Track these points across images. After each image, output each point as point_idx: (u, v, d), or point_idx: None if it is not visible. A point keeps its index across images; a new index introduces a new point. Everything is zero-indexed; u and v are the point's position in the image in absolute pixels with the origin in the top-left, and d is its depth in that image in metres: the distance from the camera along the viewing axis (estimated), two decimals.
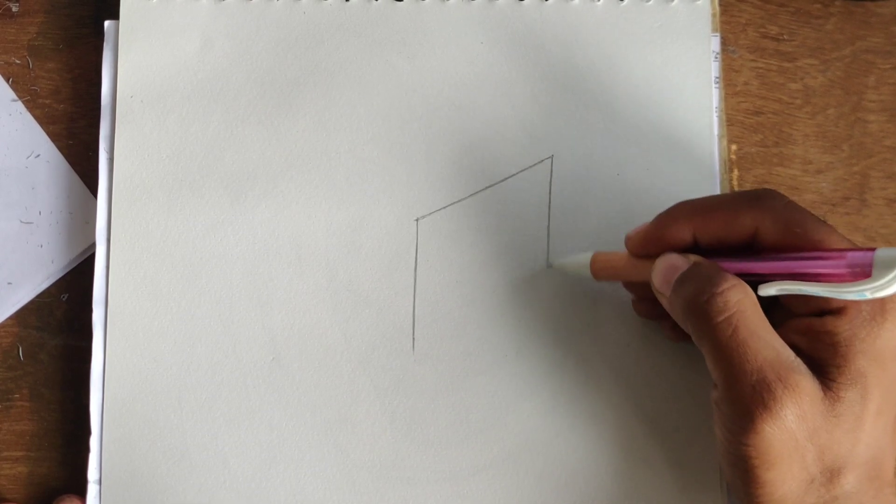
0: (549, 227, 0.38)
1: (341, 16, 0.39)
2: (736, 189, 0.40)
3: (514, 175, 0.38)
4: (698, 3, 0.39)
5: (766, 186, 0.40)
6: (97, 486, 0.37)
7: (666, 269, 0.31)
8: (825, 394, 0.28)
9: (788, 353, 0.29)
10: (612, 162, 0.38)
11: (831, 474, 0.29)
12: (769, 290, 0.29)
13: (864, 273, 0.27)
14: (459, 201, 0.38)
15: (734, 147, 0.40)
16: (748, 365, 0.28)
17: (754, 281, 0.30)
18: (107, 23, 0.40)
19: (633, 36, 0.39)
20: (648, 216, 0.38)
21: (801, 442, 0.28)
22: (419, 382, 0.37)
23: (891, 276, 0.26)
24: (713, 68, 0.39)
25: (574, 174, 0.38)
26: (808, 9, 0.41)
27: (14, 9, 0.41)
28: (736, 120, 0.40)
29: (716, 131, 0.38)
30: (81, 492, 0.37)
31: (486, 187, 0.38)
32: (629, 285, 0.36)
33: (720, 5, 0.40)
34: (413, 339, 0.38)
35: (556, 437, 0.37)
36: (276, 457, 0.37)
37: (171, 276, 0.38)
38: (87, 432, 0.37)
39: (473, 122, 0.39)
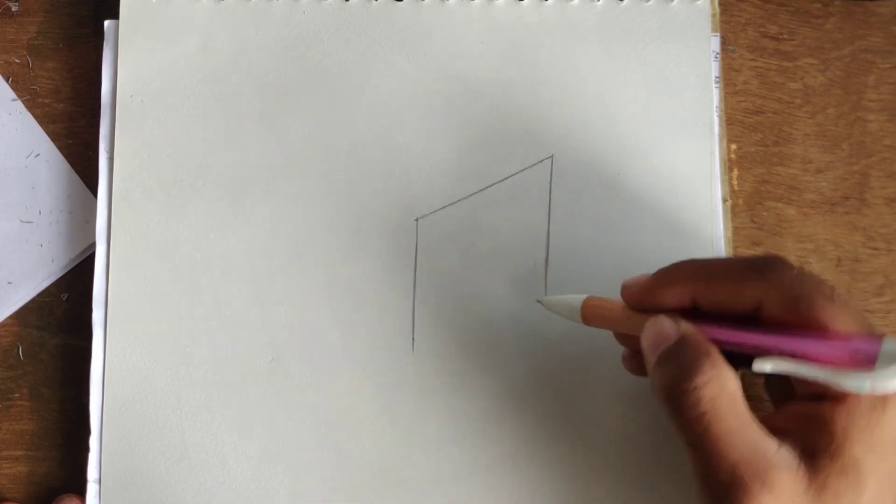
0: (549, 227, 0.38)
1: (341, 16, 0.39)
2: (736, 189, 0.40)
3: (514, 175, 0.38)
4: (698, 3, 0.39)
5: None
6: (97, 486, 0.37)
7: (654, 336, 0.30)
8: (811, 483, 0.27)
9: (769, 447, 0.27)
10: (612, 162, 0.38)
11: None
12: (764, 365, 0.27)
13: (867, 362, 0.26)
14: (459, 201, 0.38)
15: (734, 146, 0.40)
16: (722, 463, 0.27)
17: (751, 353, 0.28)
18: (107, 22, 0.39)
19: (633, 36, 0.39)
20: (648, 216, 0.38)
21: None
22: (419, 382, 0.37)
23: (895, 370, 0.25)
24: (713, 68, 0.39)
25: (574, 174, 0.38)
26: (807, 8, 0.41)
27: (14, 8, 0.41)
28: (736, 119, 0.40)
29: (716, 131, 0.38)
30: (81, 491, 0.37)
31: (486, 187, 0.38)
32: (620, 337, 0.34)
33: (720, 5, 0.40)
34: (413, 339, 0.38)
35: (555, 438, 0.37)
36: (275, 457, 0.37)
37: (171, 276, 0.38)
38: (87, 432, 0.37)
39: (473, 121, 0.39)
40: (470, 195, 0.38)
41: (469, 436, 0.37)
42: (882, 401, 0.27)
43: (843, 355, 0.26)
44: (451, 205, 0.38)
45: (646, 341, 0.30)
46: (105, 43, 0.39)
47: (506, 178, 0.38)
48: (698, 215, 0.38)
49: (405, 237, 0.38)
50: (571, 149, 0.38)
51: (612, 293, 0.38)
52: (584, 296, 0.34)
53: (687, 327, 0.29)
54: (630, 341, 0.34)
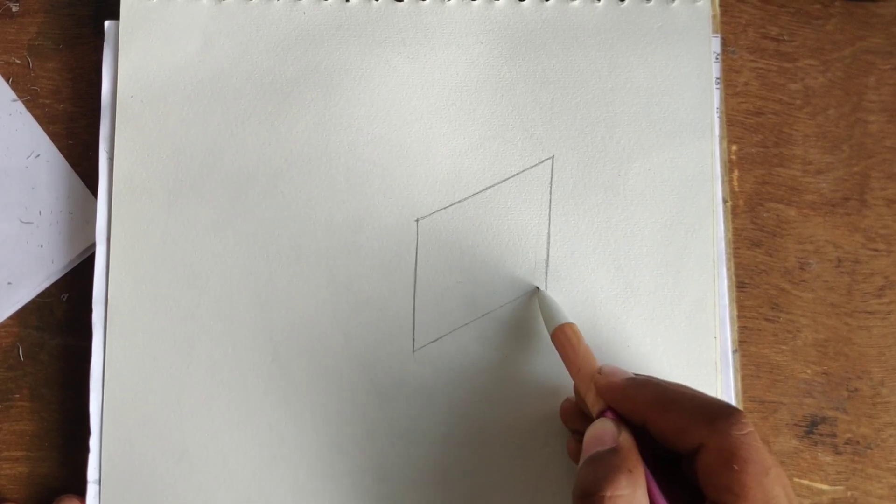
0: (549, 227, 0.38)
1: (341, 16, 0.39)
2: (737, 189, 0.40)
3: (514, 175, 0.38)
4: (698, 4, 0.39)
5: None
6: (97, 486, 0.37)
7: (594, 436, 0.30)
8: None
9: None
10: (613, 162, 0.38)
11: None
12: None
13: None
14: (460, 202, 0.38)
15: (734, 147, 0.40)
16: None
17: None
18: (107, 23, 0.39)
19: (634, 37, 0.39)
20: (648, 216, 0.38)
21: None
22: (419, 383, 0.37)
23: None
24: (713, 69, 0.39)
25: (574, 175, 0.38)
26: (808, 9, 0.41)
27: (14, 9, 0.41)
28: (736, 120, 0.40)
29: (716, 132, 0.38)
30: (81, 492, 0.37)
31: (487, 188, 0.38)
32: (567, 418, 0.35)
33: (720, 6, 0.40)
34: (413, 339, 0.38)
35: (555, 437, 0.37)
36: (275, 457, 0.37)
37: (171, 276, 0.38)
38: (87, 432, 0.37)
39: (474, 122, 0.39)
40: (470, 196, 0.38)
41: (469, 436, 0.37)
42: None
43: None
44: (451, 205, 0.38)
45: (587, 438, 0.31)
46: (105, 43, 0.39)
47: (506, 179, 0.38)
48: (698, 216, 0.38)
49: (405, 237, 0.38)
50: (572, 149, 0.38)
51: (613, 292, 0.38)
52: (570, 321, 0.35)
53: (625, 439, 0.30)
54: (577, 424, 0.35)
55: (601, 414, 0.31)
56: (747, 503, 0.27)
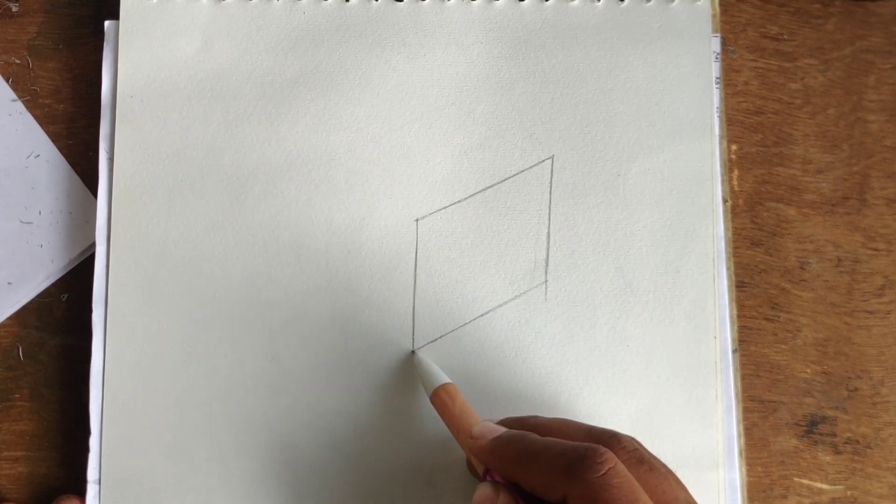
0: (549, 227, 0.38)
1: (341, 16, 0.39)
2: (736, 189, 0.40)
3: (514, 175, 0.38)
4: (698, 3, 0.39)
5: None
6: (97, 486, 0.37)
7: (479, 499, 0.30)
8: None
9: None
10: (612, 162, 0.38)
11: None
12: None
13: None
14: (459, 202, 0.38)
15: (734, 147, 0.40)
16: None
17: None
18: (107, 23, 0.39)
19: (634, 36, 0.39)
20: (649, 217, 0.38)
21: None
22: (419, 382, 0.37)
23: None
24: (713, 68, 0.39)
25: (574, 174, 0.38)
26: (807, 9, 0.41)
27: (14, 8, 0.41)
28: (736, 120, 0.40)
29: (716, 131, 0.38)
30: (81, 492, 0.37)
31: (487, 188, 0.38)
32: (473, 471, 0.35)
33: (720, 5, 0.40)
34: (413, 339, 0.38)
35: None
36: (275, 457, 0.37)
37: (171, 276, 0.38)
38: (87, 432, 0.37)
39: (473, 122, 0.39)
40: (470, 196, 0.38)
41: None
42: None
43: None
44: (451, 205, 0.38)
45: (475, 497, 0.31)
46: (105, 43, 0.39)
47: (506, 179, 0.38)
48: (698, 215, 0.38)
49: (405, 237, 0.38)
50: (572, 149, 0.38)
51: (612, 292, 0.38)
52: (446, 382, 0.35)
53: (504, 501, 0.30)
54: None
55: (484, 474, 0.32)
56: None
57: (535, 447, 0.30)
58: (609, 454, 0.28)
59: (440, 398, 0.35)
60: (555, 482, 0.28)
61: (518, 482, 0.30)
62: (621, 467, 0.28)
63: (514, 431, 0.31)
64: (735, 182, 0.40)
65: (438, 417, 0.37)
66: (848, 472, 0.38)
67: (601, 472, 0.27)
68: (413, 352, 0.37)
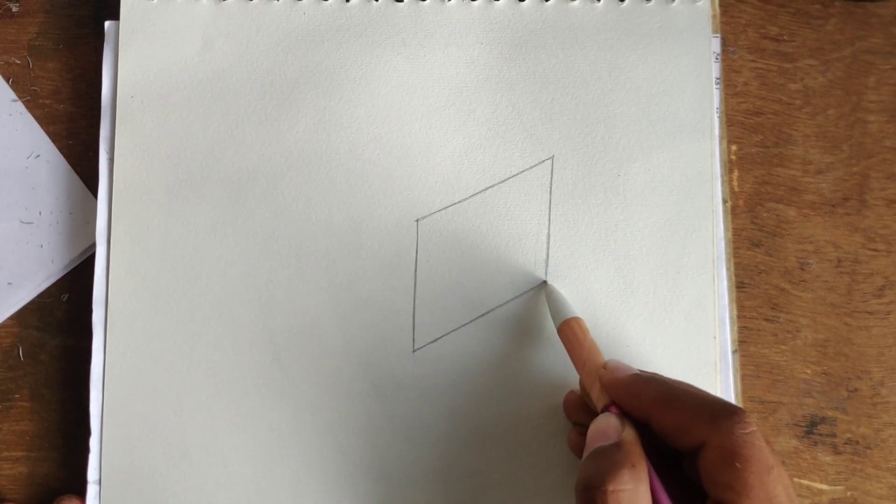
0: (549, 227, 0.38)
1: (341, 16, 0.39)
2: (736, 190, 0.40)
3: (514, 176, 0.38)
4: (698, 4, 0.39)
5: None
6: (97, 487, 0.37)
7: (597, 431, 0.31)
8: None
9: None
10: (613, 162, 0.38)
11: None
12: None
13: None
14: (460, 202, 0.38)
15: (734, 147, 0.40)
16: None
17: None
18: (107, 23, 0.39)
19: (634, 37, 0.39)
20: (649, 216, 0.38)
21: None
22: (419, 383, 0.37)
23: None
24: (713, 69, 0.39)
25: (574, 175, 0.38)
26: (807, 9, 0.41)
27: (14, 9, 0.41)
28: (736, 120, 0.40)
29: (716, 132, 0.38)
30: (81, 492, 0.37)
31: (487, 188, 0.38)
32: (571, 410, 0.36)
33: (720, 6, 0.40)
34: (413, 339, 0.38)
35: (556, 437, 0.37)
36: (276, 457, 0.37)
37: (171, 276, 0.38)
38: (87, 432, 0.37)
39: (474, 122, 0.39)
40: (470, 196, 0.38)
41: (469, 435, 0.37)
42: None
43: None
44: (451, 206, 0.38)
45: (590, 432, 0.31)
46: (105, 44, 0.39)
47: (506, 179, 0.38)
48: (698, 216, 0.38)
49: (406, 238, 0.38)
50: (572, 149, 0.38)
51: (612, 292, 0.38)
52: (576, 315, 0.35)
53: (629, 434, 0.30)
54: (580, 417, 0.35)
55: (605, 409, 0.31)
56: (749, 501, 0.27)
57: (678, 392, 0.30)
58: (752, 419, 0.29)
59: (571, 330, 0.34)
60: (695, 428, 0.29)
61: (650, 422, 0.30)
62: (760, 434, 0.29)
63: (653, 373, 0.32)
64: (735, 183, 0.40)
65: (438, 417, 0.37)
66: (848, 473, 0.38)
67: (747, 430, 0.28)
68: (545, 282, 0.37)
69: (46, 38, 0.41)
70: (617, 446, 0.30)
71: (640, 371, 0.32)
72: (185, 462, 0.37)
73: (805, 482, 0.38)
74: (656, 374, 0.32)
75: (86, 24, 0.41)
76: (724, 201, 0.38)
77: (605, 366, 0.33)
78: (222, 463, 0.37)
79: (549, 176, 0.38)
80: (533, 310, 0.38)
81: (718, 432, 0.28)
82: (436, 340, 0.38)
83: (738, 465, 0.28)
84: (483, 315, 0.38)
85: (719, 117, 0.39)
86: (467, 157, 0.39)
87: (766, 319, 0.39)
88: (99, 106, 0.39)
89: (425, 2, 0.39)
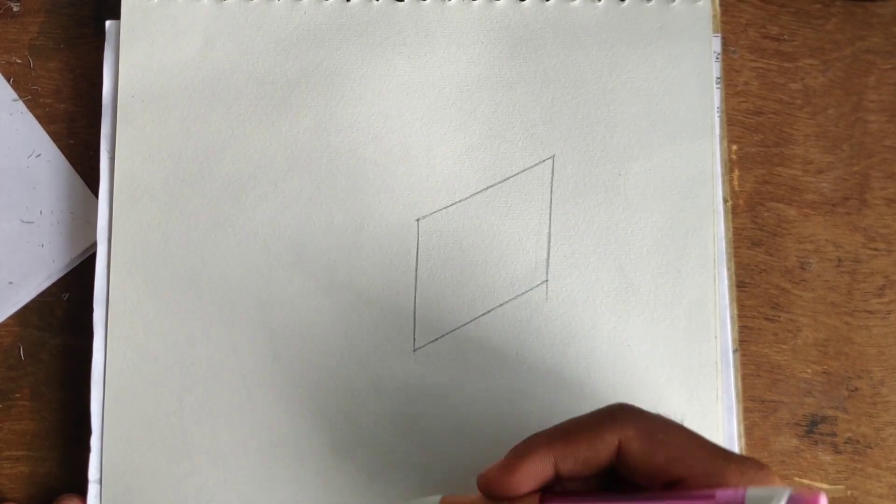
0: (550, 227, 0.38)
1: (342, 16, 0.39)
2: (737, 189, 0.40)
3: (515, 175, 0.38)
4: (699, 3, 0.39)
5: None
6: (97, 486, 0.37)
7: None
8: None
9: None
10: (613, 162, 0.38)
11: None
12: None
13: None
14: (460, 201, 0.38)
15: (735, 147, 0.40)
16: None
17: None
18: (108, 22, 0.40)
19: (634, 36, 0.39)
20: (650, 216, 0.38)
21: None
22: (420, 382, 0.37)
23: None
24: (714, 69, 0.39)
25: (575, 174, 0.38)
26: (808, 9, 0.41)
27: (15, 8, 0.41)
28: (736, 120, 0.40)
29: (717, 131, 0.38)
30: (82, 491, 0.37)
31: (488, 187, 0.38)
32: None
33: (721, 6, 0.40)
34: (413, 339, 0.38)
35: None
36: (276, 457, 0.37)
37: (172, 276, 0.38)
38: (88, 432, 0.37)
39: (474, 122, 0.39)
40: (471, 195, 0.38)
41: (469, 436, 0.37)
42: None
43: None
44: (452, 205, 0.38)
45: None
46: (106, 43, 0.39)
47: (507, 179, 0.38)
48: (699, 215, 0.38)
49: (406, 237, 0.38)
50: (572, 149, 0.38)
51: (613, 292, 0.38)
52: (438, 497, 0.31)
53: None
54: None
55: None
56: (691, 492, 0.27)
57: (565, 424, 0.29)
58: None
59: None
60: (604, 434, 0.28)
61: (558, 468, 0.28)
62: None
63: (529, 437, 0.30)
64: (735, 182, 0.40)
65: (439, 416, 0.37)
66: (848, 472, 0.38)
67: (647, 411, 0.28)
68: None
69: (47, 37, 0.41)
70: None
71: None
72: (186, 461, 0.37)
73: (805, 481, 0.38)
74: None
75: (87, 23, 0.41)
76: (725, 201, 0.38)
77: (480, 476, 0.30)
78: (222, 462, 0.37)
79: (550, 175, 0.38)
80: (533, 309, 0.38)
81: (624, 423, 0.28)
82: (436, 340, 0.38)
83: (661, 436, 0.27)
84: (484, 314, 0.38)
85: (720, 117, 0.39)
86: (468, 157, 0.39)
87: (767, 319, 0.39)
88: (100, 105, 0.39)
89: (426, 1, 0.39)
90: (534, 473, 0.29)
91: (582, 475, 0.29)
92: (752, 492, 0.25)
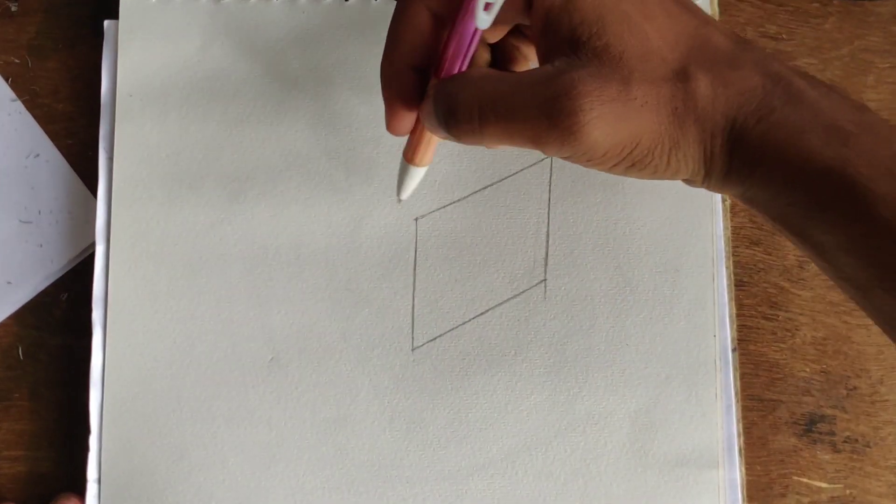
0: (548, 226, 0.38)
1: (340, 15, 0.39)
2: None
3: (513, 174, 0.38)
4: (698, 3, 0.39)
5: None
6: (96, 486, 0.37)
7: (425, 112, 0.30)
8: (620, 90, 0.27)
9: (556, 73, 0.27)
10: None
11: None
12: (488, 20, 0.28)
13: None
14: (459, 201, 0.38)
15: None
16: (526, 125, 0.27)
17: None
18: (106, 22, 0.40)
19: None
20: (649, 215, 0.38)
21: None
22: (418, 382, 0.37)
23: None
24: None
25: (574, 173, 0.38)
26: (806, 8, 0.41)
27: (13, 8, 0.41)
28: None
29: None
30: (81, 491, 0.37)
31: (486, 186, 0.38)
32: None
33: (719, 5, 0.40)
34: (412, 338, 0.38)
35: (555, 437, 0.37)
36: (275, 456, 0.37)
37: (171, 276, 0.38)
38: (87, 432, 0.37)
39: None
40: (469, 195, 0.38)
41: (469, 436, 0.37)
42: None
43: None
44: (450, 204, 0.38)
45: (427, 121, 0.30)
46: (104, 43, 0.39)
47: (505, 178, 0.38)
48: (697, 214, 0.38)
49: (405, 236, 0.38)
50: None
51: (612, 291, 0.38)
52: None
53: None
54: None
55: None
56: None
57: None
58: None
59: (409, 151, 0.33)
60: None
61: (432, 7, 0.30)
62: None
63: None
64: None
65: (437, 415, 0.37)
66: (847, 471, 0.38)
67: None
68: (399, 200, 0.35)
69: (45, 37, 0.41)
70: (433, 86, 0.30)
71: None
72: (185, 461, 0.37)
73: (804, 480, 0.38)
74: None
75: (85, 23, 0.41)
76: (724, 200, 0.38)
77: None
78: (221, 462, 0.37)
79: (549, 174, 0.38)
80: (532, 308, 0.38)
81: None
82: (435, 339, 0.38)
83: None
84: (482, 313, 0.38)
85: None
86: (466, 156, 0.39)
87: (766, 318, 0.39)
88: (98, 105, 0.39)
89: None
90: (412, 38, 0.30)
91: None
92: None
